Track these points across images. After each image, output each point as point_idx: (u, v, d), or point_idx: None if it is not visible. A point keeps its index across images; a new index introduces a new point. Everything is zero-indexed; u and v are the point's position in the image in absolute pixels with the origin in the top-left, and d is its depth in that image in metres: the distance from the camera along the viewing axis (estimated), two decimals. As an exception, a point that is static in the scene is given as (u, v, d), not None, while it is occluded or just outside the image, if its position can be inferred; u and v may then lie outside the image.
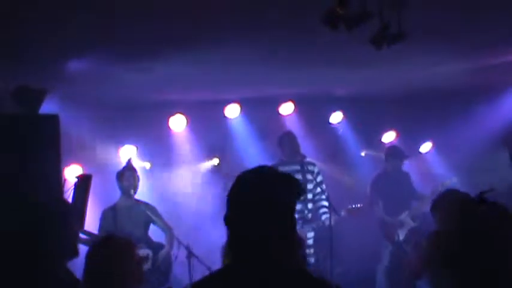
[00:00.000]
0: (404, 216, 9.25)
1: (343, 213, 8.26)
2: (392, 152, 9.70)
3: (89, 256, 3.97)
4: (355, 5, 4.21)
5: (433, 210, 5.35)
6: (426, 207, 8.99)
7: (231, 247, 2.70)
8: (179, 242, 7.68)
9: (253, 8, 5.08)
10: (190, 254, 7.50)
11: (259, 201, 2.67)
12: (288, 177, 2.81)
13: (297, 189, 2.79)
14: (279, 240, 2.65)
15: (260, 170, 2.82)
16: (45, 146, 5.74)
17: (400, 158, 9.61)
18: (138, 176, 8.22)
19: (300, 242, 2.80)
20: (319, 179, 8.57)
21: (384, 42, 4.58)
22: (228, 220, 2.72)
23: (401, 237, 9.16)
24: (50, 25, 5.18)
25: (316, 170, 8.59)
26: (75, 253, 4.14)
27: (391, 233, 9.20)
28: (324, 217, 8.45)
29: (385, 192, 9.32)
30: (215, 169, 9.92)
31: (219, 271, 2.77)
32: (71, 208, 5.34)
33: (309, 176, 8.54)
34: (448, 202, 5.18)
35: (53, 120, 5.87)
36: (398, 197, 9.28)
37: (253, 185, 2.74)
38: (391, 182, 9.42)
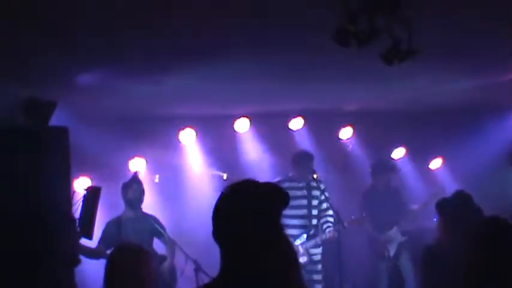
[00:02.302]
0: (393, 231, 9.24)
1: (345, 224, 8.20)
2: (377, 167, 9.64)
3: (110, 263, 4.02)
4: (365, 21, 4.21)
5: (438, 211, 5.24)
6: (415, 221, 9.22)
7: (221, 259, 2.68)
8: (187, 256, 7.66)
9: (264, 24, 5.09)
10: (197, 268, 7.47)
11: (235, 212, 2.67)
12: (272, 189, 2.75)
13: (281, 199, 2.72)
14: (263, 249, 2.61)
15: (242, 183, 2.82)
16: (55, 158, 5.76)
17: (386, 172, 9.54)
18: (143, 189, 8.23)
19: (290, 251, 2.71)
20: (326, 194, 8.53)
21: (395, 59, 4.57)
22: (213, 235, 2.73)
23: (391, 253, 9.19)
24: (60, 39, 5.20)
25: (322, 187, 8.53)
26: (77, 261, 4.18)
27: (381, 250, 9.21)
28: (327, 230, 8.42)
29: (373, 208, 9.26)
30: (224, 183, 9.91)
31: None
32: (74, 219, 5.38)
33: (315, 192, 8.52)
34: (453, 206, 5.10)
35: (62, 132, 5.90)
36: (386, 213, 9.22)
37: (231, 197, 2.75)
38: (379, 198, 9.37)
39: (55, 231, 4.06)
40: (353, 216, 8.66)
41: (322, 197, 8.48)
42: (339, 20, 4.22)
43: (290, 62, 6.53)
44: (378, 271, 9.31)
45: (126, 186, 8.15)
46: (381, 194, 9.45)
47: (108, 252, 7.27)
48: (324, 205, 8.55)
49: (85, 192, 6.61)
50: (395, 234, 9.24)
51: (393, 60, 4.63)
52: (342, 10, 4.14)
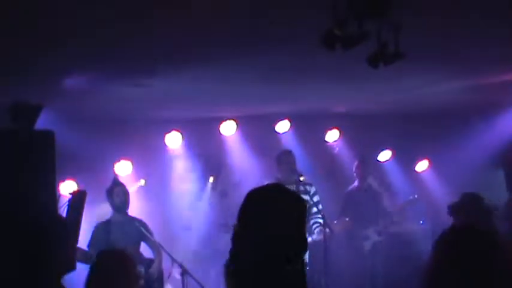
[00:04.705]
0: (370, 231, 9.46)
1: (332, 227, 8.25)
2: (361, 170, 9.84)
3: (92, 270, 3.99)
4: (352, 25, 4.21)
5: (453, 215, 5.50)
6: (391, 224, 9.63)
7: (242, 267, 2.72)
8: (173, 260, 7.64)
9: (251, 27, 5.09)
10: (184, 271, 7.45)
11: (268, 216, 2.75)
12: (297, 195, 2.97)
13: (302, 207, 2.92)
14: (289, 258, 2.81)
15: (271, 187, 2.98)
16: (41, 161, 5.73)
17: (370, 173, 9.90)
18: (127, 191, 8.20)
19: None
20: (315, 199, 8.52)
21: (381, 62, 4.57)
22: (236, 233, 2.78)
23: (367, 249, 9.45)
24: (50, 42, 5.18)
25: (312, 190, 8.56)
26: (72, 267, 4.13)
27: (358, 245, 9.46)
28: (316, 230, 8.43)
29: (354, 206, 9.46)
30: (210, 186, 9.90)
31: None
32: (65, 222, 5.33)
33: (305, 197, 8.47)
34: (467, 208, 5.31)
35: (48, 136, 5.86)
36: (366, 212, 9.45)
37: (263, 200, 2.83)
38: (361, 197, 9.62)
39: (44, 236, 4.01)
40: (335, 221, 8.78)
41: (311, 202, 8.44)
42: (328, 24, 4.22)
43: (277, 64, 6.53)
44: (358, 272, 9.44)
45: (109, 191, 8.15)
46: (363, 194, 9.66)
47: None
48: (314, 209, 8.49)
49: (70, 196, 6.58)
50: (371, 232, 9.47)
51: (379, 63, 4.63)
52: (331, 14, 4.13)
